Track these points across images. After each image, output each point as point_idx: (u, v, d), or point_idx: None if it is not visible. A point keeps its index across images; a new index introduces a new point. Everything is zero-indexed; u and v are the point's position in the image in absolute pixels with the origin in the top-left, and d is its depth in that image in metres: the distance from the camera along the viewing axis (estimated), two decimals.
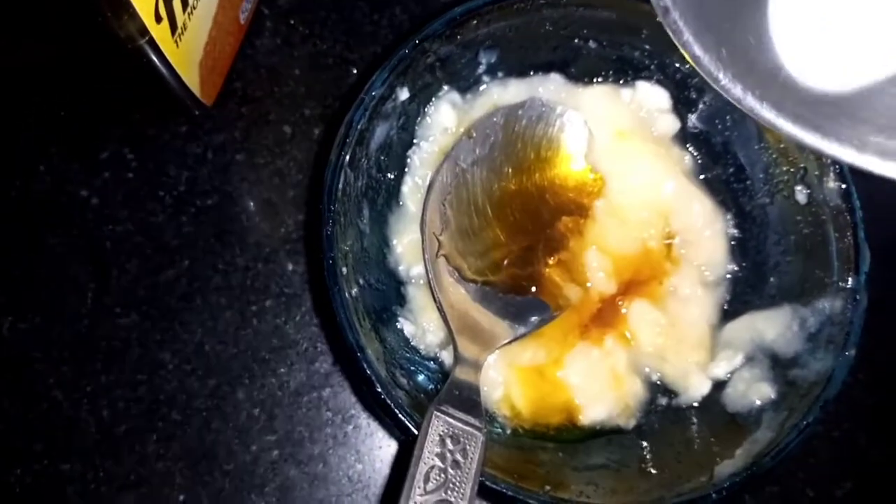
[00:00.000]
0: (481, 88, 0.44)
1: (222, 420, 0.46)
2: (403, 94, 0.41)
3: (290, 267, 0.48)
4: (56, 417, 0.45)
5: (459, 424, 0.35)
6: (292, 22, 0.51)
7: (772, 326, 0.41)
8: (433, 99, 0.43)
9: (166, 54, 0.39)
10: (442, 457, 0.34)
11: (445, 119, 0.43)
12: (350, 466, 0.45)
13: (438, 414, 0.35)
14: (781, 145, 0.41)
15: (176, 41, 0.40)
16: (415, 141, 0.43)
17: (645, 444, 0.40)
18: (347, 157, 0.38)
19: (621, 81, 0.44)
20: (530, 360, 0.42)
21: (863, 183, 0.38)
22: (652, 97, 0.44)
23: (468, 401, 0.37)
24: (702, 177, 0.44)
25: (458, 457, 0.34)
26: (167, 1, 0.37)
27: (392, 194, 0.43)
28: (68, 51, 0.43)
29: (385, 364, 0.38)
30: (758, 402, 0.39)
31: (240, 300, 0.47)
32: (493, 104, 0.44)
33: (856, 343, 0.37)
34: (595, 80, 0.45)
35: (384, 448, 0.46)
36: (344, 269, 0.38)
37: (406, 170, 0.43)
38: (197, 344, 0.47)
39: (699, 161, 0.44)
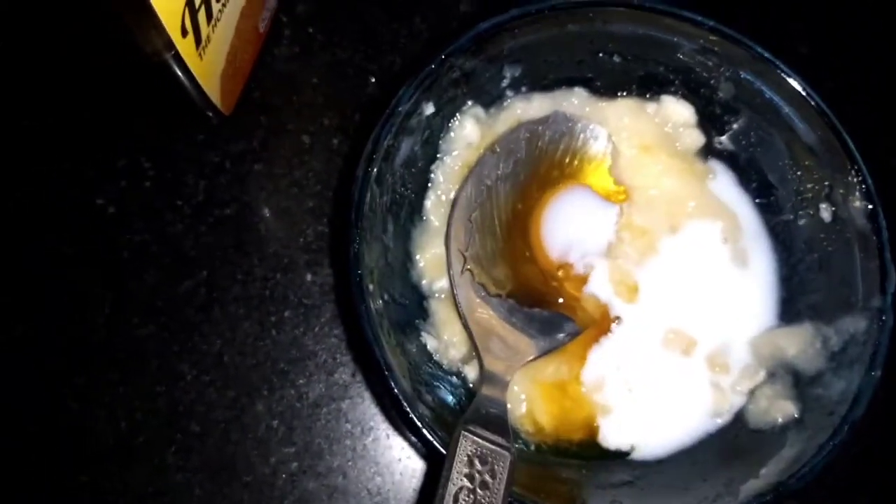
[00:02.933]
0: (505, 103, 0.44)
1: (241, 432, 0.45)
2: (428, 109, 0.40)
3: (309, 277, 0.48)
4: (73, 428, 0.45)
5: (487, 444, 0.35)
6: (311, 30, 0.51)
7: (793, 343, 0.41)
8: (457, 114, 0.43)
9: (191, 67, 0.39)
10: (471, 477, 0.34)
11: (469, 134, 0.43)
12: (369, 479, 0.45)
13: (466, 434, 0.35)
14: (806, 162, 0.41)
15: (200, 54, 0.39)
16: (438, 155, 0.43)
17: (668, 461, 0.40)
18: (375, 173, 0.38)
19: (646, 96, 0.44)
20: (553, 375, 0.42)
21: (889, 203, 0.38)
22: (677, 112, 0.43)
23: (496, 419, 0.36)
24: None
25: (487, 477, 0.34)
26: (193, 14, 0.37)
27: (415, 209, 0.43)
28: (89, 62, 0.42)
29: (410, 380, 0.38)
30: (780, 420, 0.39)
31: (259, 311, 0.47)
32: (516, 119, 0.44)
33: (882, 364, 0.37)
34: (620, 94, 0.44)
35: (404, 461, 0.45)
36: (370, 286, 0.37)
37: (429, 184, 0.43)
38: (216, 355, 0.46)
39: (724, 177, 0.44)
